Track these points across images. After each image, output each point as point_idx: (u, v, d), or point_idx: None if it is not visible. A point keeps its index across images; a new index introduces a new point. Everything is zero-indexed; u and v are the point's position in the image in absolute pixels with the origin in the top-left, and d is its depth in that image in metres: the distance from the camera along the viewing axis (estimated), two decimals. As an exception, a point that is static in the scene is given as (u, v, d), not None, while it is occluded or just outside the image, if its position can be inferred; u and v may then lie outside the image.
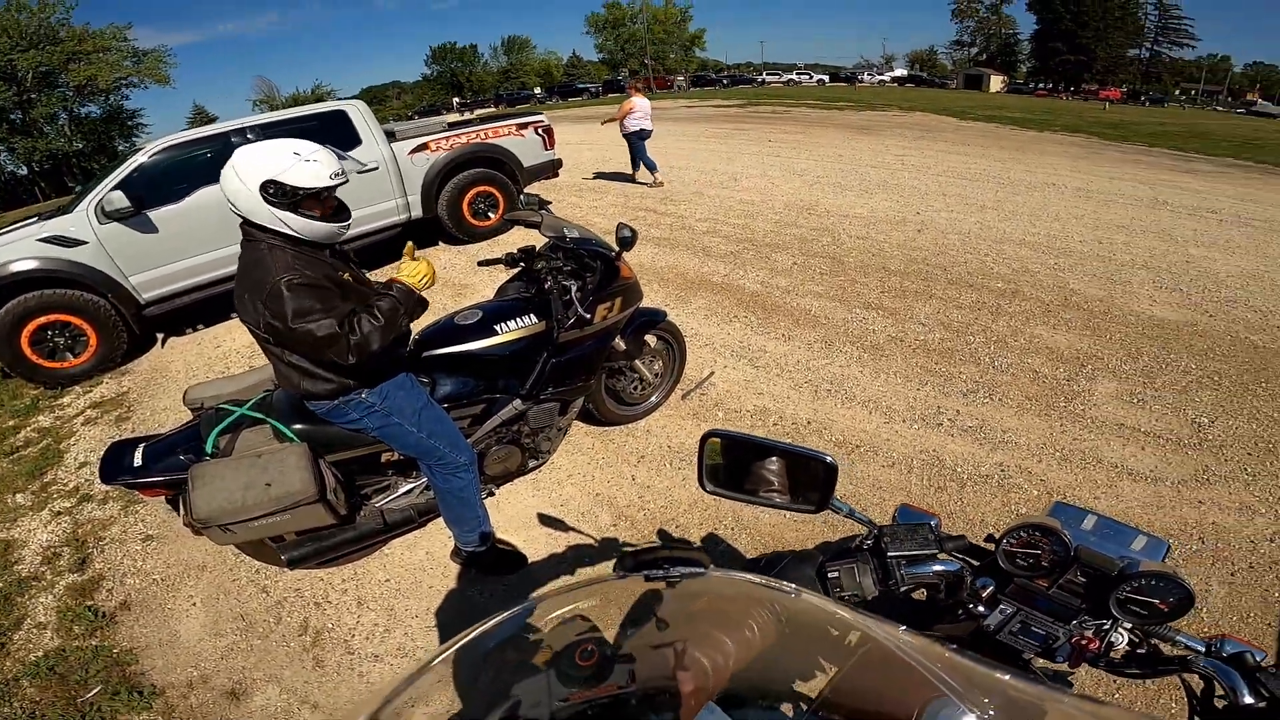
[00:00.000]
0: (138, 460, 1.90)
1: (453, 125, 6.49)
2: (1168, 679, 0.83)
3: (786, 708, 0.59)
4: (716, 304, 4.62)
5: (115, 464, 1.90)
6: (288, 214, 1.65)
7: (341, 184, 1.72)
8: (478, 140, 6.21)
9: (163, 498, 1.96)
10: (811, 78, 55.58)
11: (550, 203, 2.90)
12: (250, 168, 1.61)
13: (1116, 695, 1.81)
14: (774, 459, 0.93)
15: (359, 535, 2.17)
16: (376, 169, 5.42)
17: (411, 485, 2.28)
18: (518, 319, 2.33)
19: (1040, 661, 0.85)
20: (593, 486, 2.84)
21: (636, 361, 3.03)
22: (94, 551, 2.76)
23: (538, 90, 58.23)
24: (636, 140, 8.15)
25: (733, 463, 0.97)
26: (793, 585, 0.69)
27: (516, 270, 2.63)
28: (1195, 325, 4.10)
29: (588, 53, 76.43)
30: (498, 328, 2.29)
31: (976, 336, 3.97)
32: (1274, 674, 0.73)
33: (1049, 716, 0.56)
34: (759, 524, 2.54)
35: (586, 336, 2.46)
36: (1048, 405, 3.27)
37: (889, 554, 0.88)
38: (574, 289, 2.29)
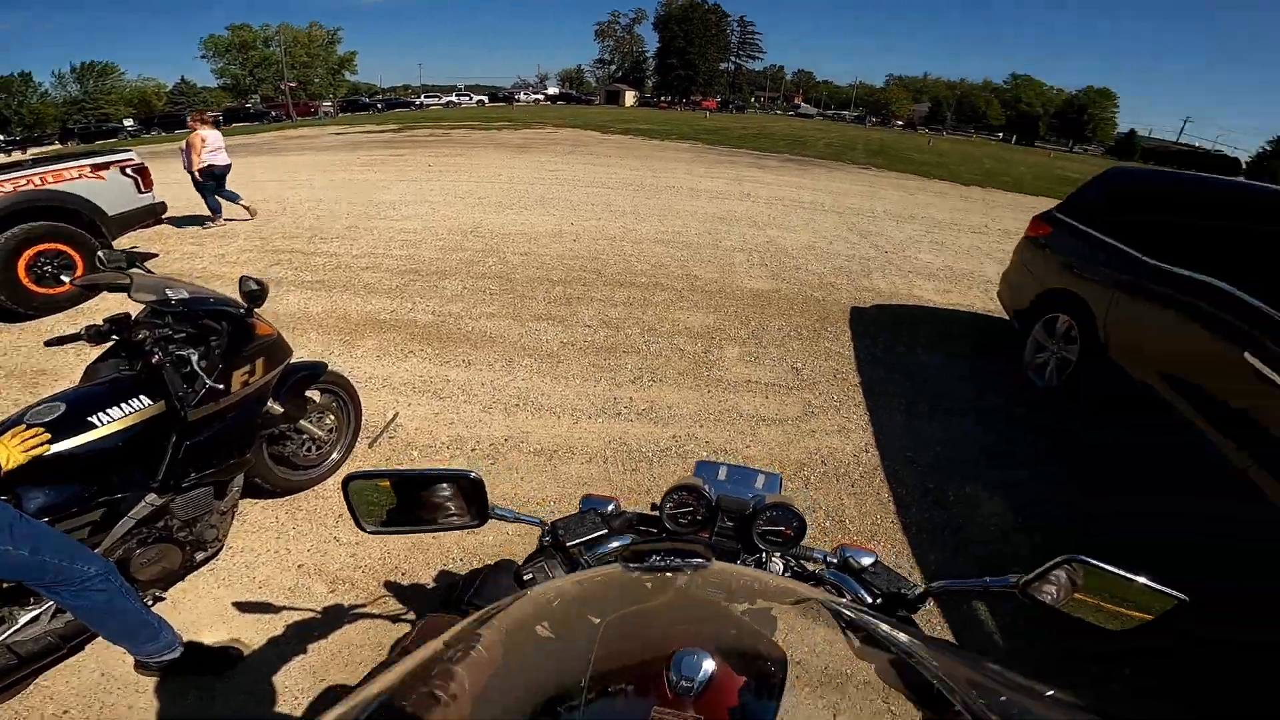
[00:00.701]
0: None
1: (-8, 168, 4.73)
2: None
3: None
4: (388, 342, 4.31)
5: None
6: None
7: None
8: (30, 187, 4.65)
9: None
10: (471, 99, 56.30)
11: (154, 256, 2.27)
12: None
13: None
14: (419, 487, 0.92)
15: None
16: None
17: (35, 611, 1.79)
18: (123, 404, 1.89)
19: None
20: (292, 559, 2.43)
21: (302, 422, 2.69)
22: None
23: (128, 122, 46.35)
24: (208, 178, 7.10)
25: (390, 500, 0.94)
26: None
27: (108, 345, 2.11)
28: (779, 291, 5.36)
29: (204, 78, 63.97)
30: (94, 419, 1.82)
31: (633, 328, 4.50)
32: (875, 573, 0.90)
33: (781, 621, 0.64)
34: (484, 547, 2.45)
35: (226, 408, 2.11)
36: (695, 376, 3.88)
37: (567, 544, 0.92)
38: (195, 358, 1.94)
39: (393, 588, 2.33)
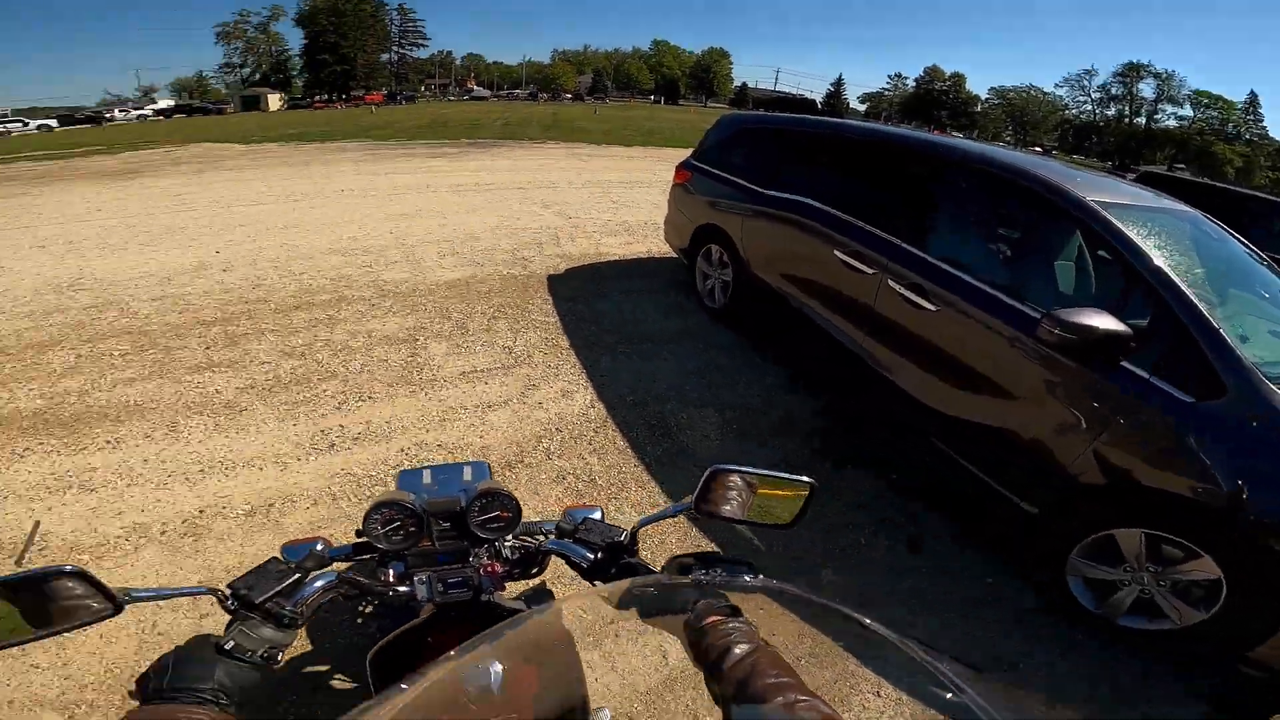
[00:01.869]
0: None
1: None
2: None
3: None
4: (-22, 449, 3.14)
5: None
6: None
7: None
8: None
9: None
10: (27, 124, 41.97)
11: None
12: None
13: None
14: (13, 593, 0.75)
15: None
16: None
17: None
18: None
19: (487, 597, 0.93)
20: None
21: None
22: None
23: None
24: None
25: (9, 608, 0.75)
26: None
27: None
28: (475, 276, 5.34)
29: None
30: None
31: (323, 352, 4.04)
32: (588, 529, 0.91)
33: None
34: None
35: None
36: (408, 383, 3.68)
37: (258, 600, 0.82)
38: None
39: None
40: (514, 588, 1.18)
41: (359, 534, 0.95)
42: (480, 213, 7.56)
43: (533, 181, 9.94)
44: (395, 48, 78.47)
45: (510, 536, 0.97)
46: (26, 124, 41.74)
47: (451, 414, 3.43)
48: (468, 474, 1.09)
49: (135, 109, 55.65)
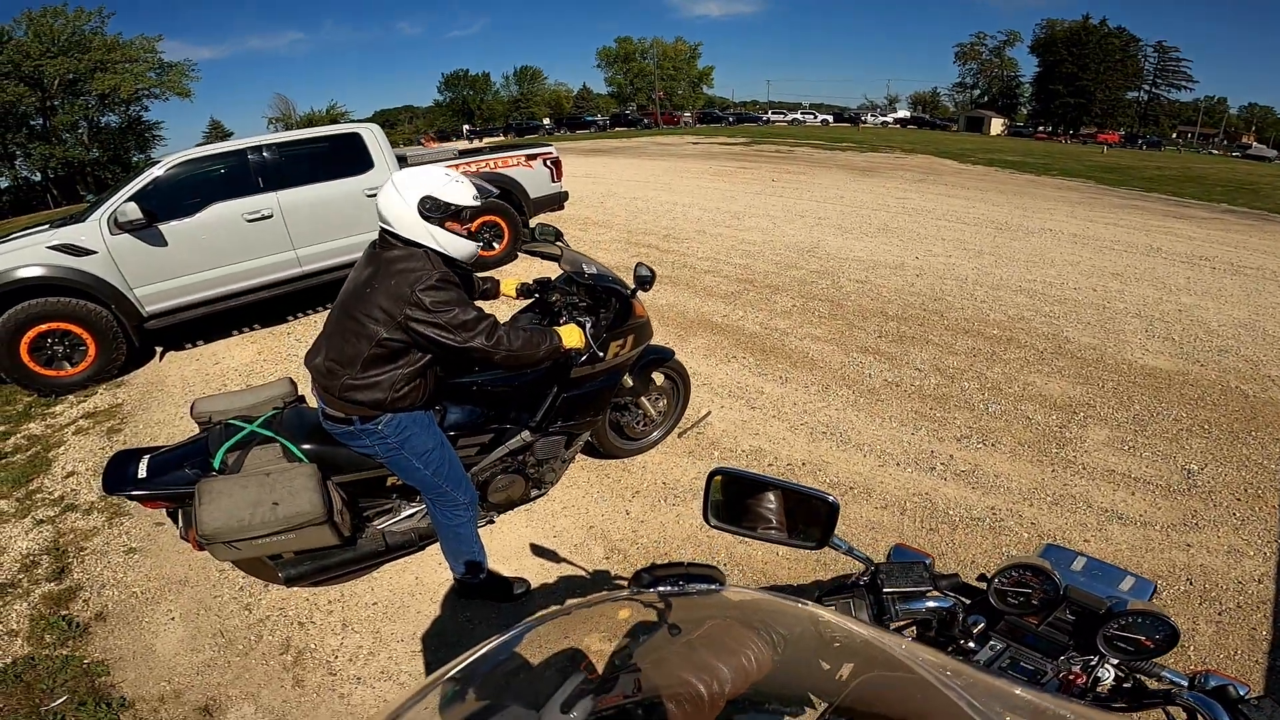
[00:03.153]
0: (142, 472, 1.92)
1: (463, 153, 6.61)
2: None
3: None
4: (715, 344, 4.64)
5: (119, 474, 1.91)
6: (437, 229, 1.82)
7: (478, 207, 1.91)
8: (487, 169, 6.30)
9: (164, 510, 1.99)
10: (816, 117, 56.68)
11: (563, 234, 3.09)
12: (410, 185, 1.80)
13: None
14: (774, 496, 0.95)
15: (359, 556, 2.18)
16: None
17: (414, 509, 2.31)
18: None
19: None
20: (587, 519, 2.83)
21: (643, 399, 3.03)
22: (74, 561, 2.73)
23: (546, 121, 59.19)
24: None
25: (735, 499, 0.98)
26: (806, 601, 0.71)
27: (529, 301, 2.62)
28: (1187, 374, 4.13)
29: (597, 86, 78.08)
30: None
31: (971, 383, 3.99)
32: (1256, 706, 0.74)
33: None
34: (751, 561, 2.53)
35: (598, 373, 2.47)
36: (1039, 451, 3.28)
37: (884, 590, 0.90)
38: (588, 325, 2.22)
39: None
40: None
41: (980, 578, 0.93)
42: (1229, 302, 5.68)
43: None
44: (1147, 86, 65.99)
45: (1125, 665, 0.85)
46: (815, 116, 56.46)
47: (1068, 502, 2.86)
48: (1128, 585, 0.94)
49: (881, 115, 66.71)
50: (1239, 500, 2.89)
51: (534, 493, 2.61)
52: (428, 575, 2.50)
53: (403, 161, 5.69)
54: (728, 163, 17.27)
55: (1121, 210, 11.23)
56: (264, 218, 4.80)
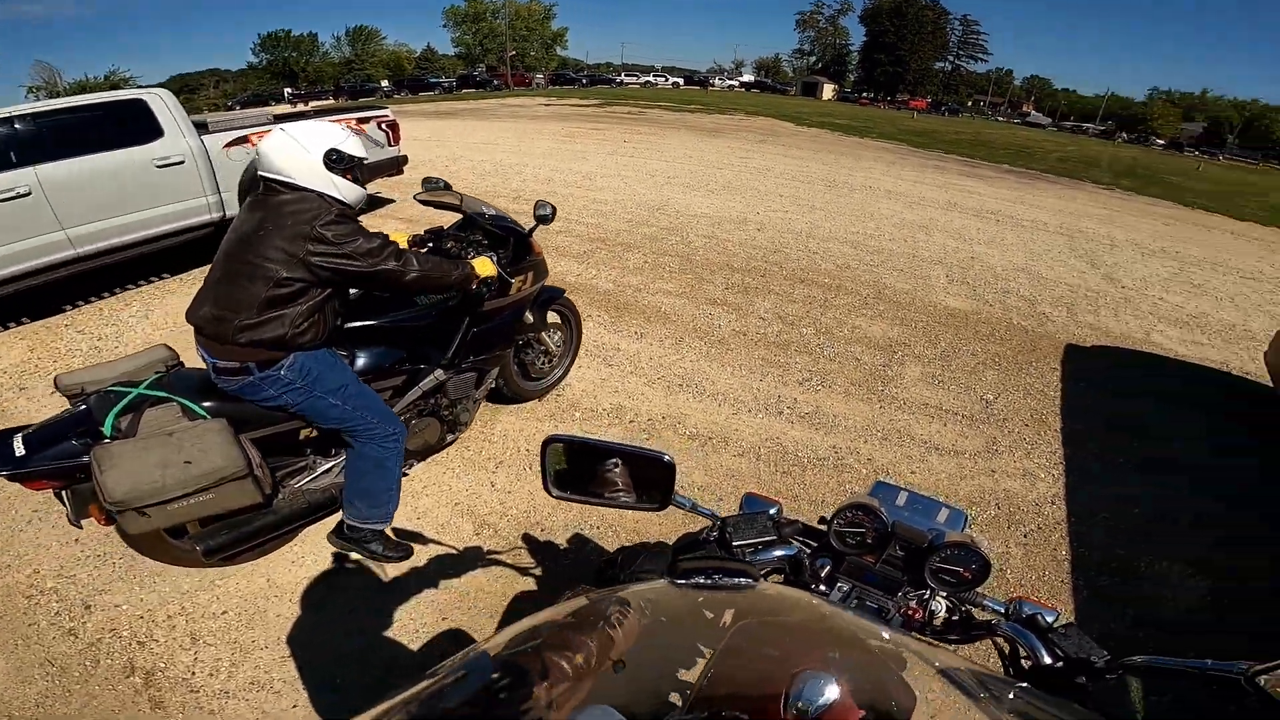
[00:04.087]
0: (19, 449, 1.73)
1: (279, 118, 5.82)
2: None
3: (674, 697, 0.59)
4: (569, 304, 4.56)
5: None
6: (339, 178, 1.86)
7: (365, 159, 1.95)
8: None
9: (50, 490, 1.83)
10: (667, 80, 57.52)
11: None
12: (313, 138, 1.82)
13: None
14: (615, 460, 0.94)
15: (280, 520, 2.08)
16: (182, 163, 4.79)
17: (331, 464, 2.22)
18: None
19: None
20: (450, 496, 2.69)
21: (543, 334, 3.13)
22: None
23: (384, 83, 54.04)
24: None
25: (575, 467, 0.97)
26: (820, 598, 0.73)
27: (425, 249, 2.57)
28: (979, 313, 4.80)
29: (444, 46, 72.69)
30: (418, 298, 2.30)
31: (809, 328, 4.30)
32: (1064, 634, 0.80)
33: (908, 667, 0.60)
34: (624, 520, 2.54)
35: (504, 306, 2.54)
36: (868, 390, 3.63)
37: (734, 544, 0.91)
38: (494, 257, 2.32)
39: (529, 541, 2.46)
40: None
41: (821, 520, 0.97)
42: (1006, 249, 6.70)
43: (1084, 232, 8.20)
44: (951, 57, 75.26)
45: (954, 597, 0.91)
46: (666, 79, 57.19)
47: (895, 437, 3.22)
48: (943, 516, 1.04)
49: (728, 79, 69.26)
50: (1027, 426, 3.40)
51: (449, 436, 2.61)
52: (280, 575, 2.23)
53: (202, 128, 5.02)
54: (580, 124, 16.95)
55: (926, 170, 12.71)
56: (18, 196, 4.02)
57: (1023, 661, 0.83)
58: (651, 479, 0.92)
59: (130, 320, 4.25)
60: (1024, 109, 77.86)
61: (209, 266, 1.92)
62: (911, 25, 67.38)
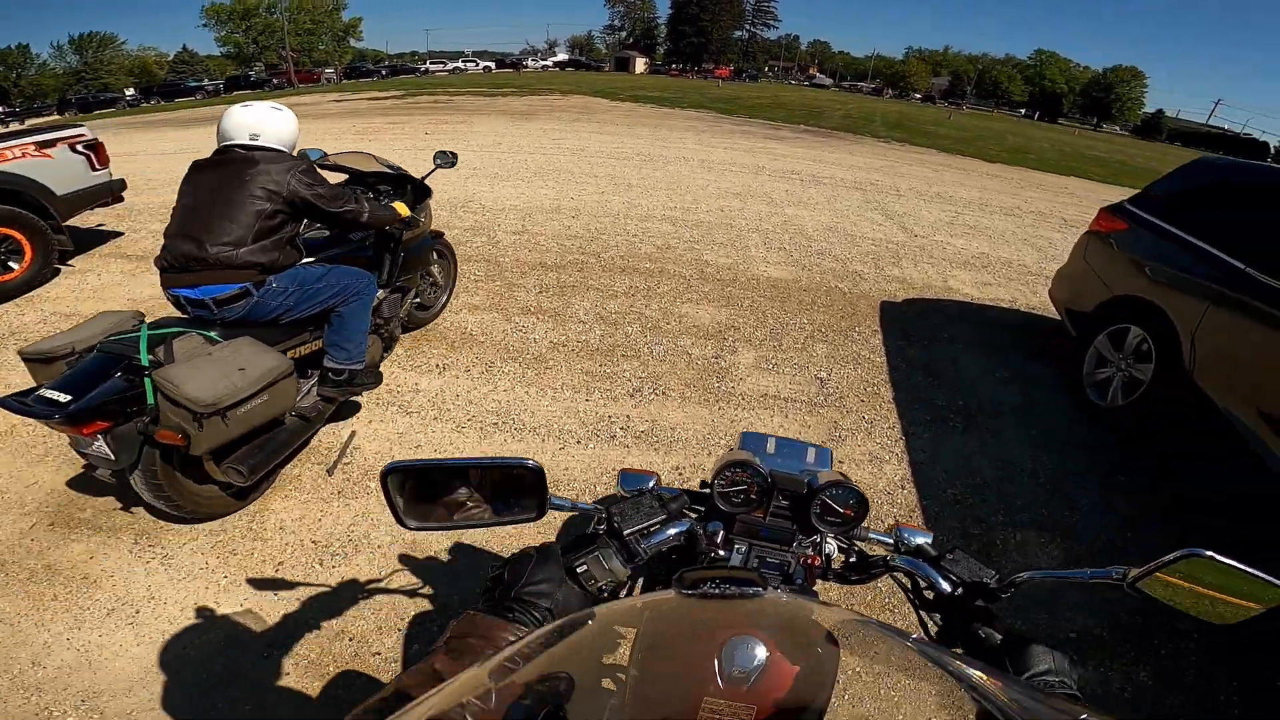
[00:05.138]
0: (60, 398, 1.79)
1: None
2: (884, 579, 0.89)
3: (607, 683, 0.59)
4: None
5: (41, 405, 1.78)
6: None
7: None
8: None
9: (100, 430, 1.85)
10: (479, 65, 54.77)
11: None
12: (291, 117, 2.43)
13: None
14: (471, 478, 0.86)
15: (289, 435, 2.40)
16: None
17: (310, 382, 2.60)
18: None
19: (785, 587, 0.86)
20: (212, 623, 1.98)
21: (432, 267, 3.72)
22: None
23: (129, 91, 45.15)
24: None
25: (424, 494, 0.85)
26: (855, 612, 0.66)
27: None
28: (799, 281, 4.78)
29: (206, 48, 62.62)
30: (351, 235, 2.91)
31: (633, 325, 3.94)
32: (954, 560, 0.82)
33: (819, 622, 0.59)
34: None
35: (417, 235, 3.30)
36: (704, 389, 3.33)
37: (624, 532, 0.84)
38: (406, 203, 2.96)
39: (408, 561, 2.16)
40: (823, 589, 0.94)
41: (703, 485, 0.97)
42: (813, 209, 6.92)
43: (874, 184, 8.86)
44: (747, 26, 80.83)
45: (844, 536, 0.92)
46: (477, 64, 54.41)
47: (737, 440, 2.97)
48: (811, 456, 1.05)
49: (542, 60, 67.79)
50: (863, 401, 3.31)
51: (384, 354, 3.09)
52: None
53: None
54: (375, 119, 15.24)
55: (734, 135, 13.13)
56: None
57: (924, 593, 0.84)
58: (517, 490, 0.84)
59: None
60: (810, 72, 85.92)
61: (168, 219, 2.27)
62: (711, -2, 71.03)
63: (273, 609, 2.01)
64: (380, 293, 2.92)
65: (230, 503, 2.30)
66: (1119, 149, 30.48)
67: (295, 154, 2.44)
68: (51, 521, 2.62)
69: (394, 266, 3.08)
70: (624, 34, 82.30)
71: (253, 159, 2.24)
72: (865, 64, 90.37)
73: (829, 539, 0.92)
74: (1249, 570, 0.73)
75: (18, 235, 4.51)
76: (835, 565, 0.91)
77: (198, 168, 2.31)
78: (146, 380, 1.86)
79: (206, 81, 44.96)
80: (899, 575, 0.87)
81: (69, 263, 5.05)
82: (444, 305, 3.99)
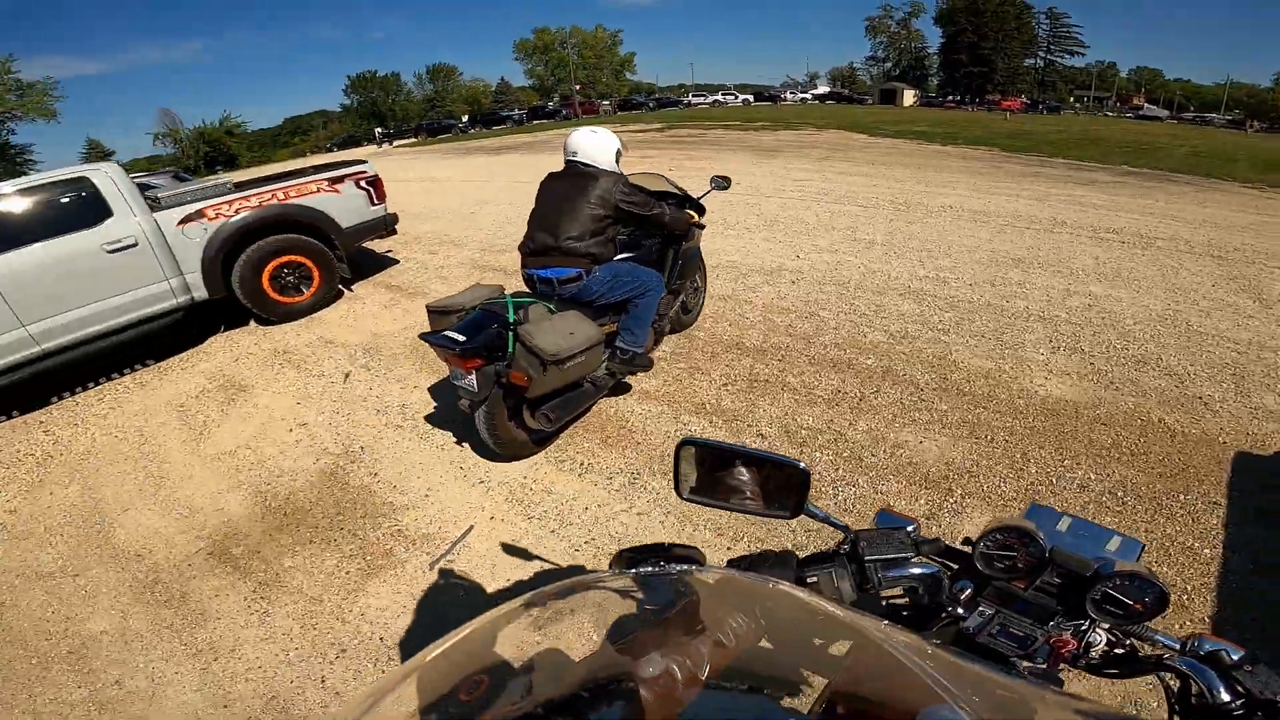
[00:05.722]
0: (459, 337, 2.55)
1: (241, 185, 5.32)
2: (1146, 678, 0.76)
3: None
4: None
5: (441, 339, 2.60)
6: (619, 166, 3.12)
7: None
8: (274, 201, 5.07)
9: (476, 366, 2.57)
10: (737, 98, 56.12)
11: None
12: (610, 139, 3.09)
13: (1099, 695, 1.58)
14: (744, 466, 0.90)
15: (582, 396, 2.95)
16: (135, 245, 4.38)
17: (609, 351, 3.10)
18: (655, 236, 3.51)
19: (1024, 665, 0.76)
20: (270, 686, 2.02)
21: (696, 275, 4.15)
22: None
23: (463, 119, 56.23)
24: None
25: (706, 471, 0.93)
26: (781, 580, 0.70)
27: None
28: (1097, 407, 3.26)
29: (517, 79, 75.54)
30: (644, 241, 3.49)
31: (825, 453, 2.99)
32: (1250, 672, 0.70)
33: (1038, 716, 0.55)
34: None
35: (690, 247, 3.77)
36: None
37: (866, 558, 0.82)
38: (691, 215, 3.56)
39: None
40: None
41: (965, 541, 0.91)
42: (1137, 287, 4.96)
43: (1239, 249, 6.14)
44: (1042, 53, 68.93)
45: (1117, 629, 0.78)
46: (736, 97, 55.96)
47: None
48: (1114, 545, 0.92)
49: (801, 93, 66.82)
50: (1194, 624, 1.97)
51: (655, 345, 3.68)
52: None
53: (155, 204, 4.67)
54: (635, 150, 16.13)
55: (1024, 178, 10.72)
56: None
57: (1194, 700, 0.70)
58: (783, 487, 0.87)
59: (94, 418, 4.09)
60: (1135, 102, 70.26)
61: (529, 214, 3.10)
62: (991, 23, 62.80)
63: (312, 692, 2.00)
64: (667, 296, 3.54)
65: (532, 447, 2.98)
66: None
67: (619, 167, 3.08)
68: (211, 551, 2.76)
69: (674, 270, 3.60)
70: (889, 65, 76.90)
71: (590, 174, 2.96)
72: (1214, 92, 70.62)
73: (1099, 628, 0.78)
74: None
75: (309, 263, 5.32)
76: (1093, 654, 0.77)
77: (552, 177, 3.10)
78: (509, 334, 2.56)
79: (515, 111, 53.67)
80: (1168, 677, 0.74)
81: (350, 288, 5.87)
82: (699, 313, 4.44)
